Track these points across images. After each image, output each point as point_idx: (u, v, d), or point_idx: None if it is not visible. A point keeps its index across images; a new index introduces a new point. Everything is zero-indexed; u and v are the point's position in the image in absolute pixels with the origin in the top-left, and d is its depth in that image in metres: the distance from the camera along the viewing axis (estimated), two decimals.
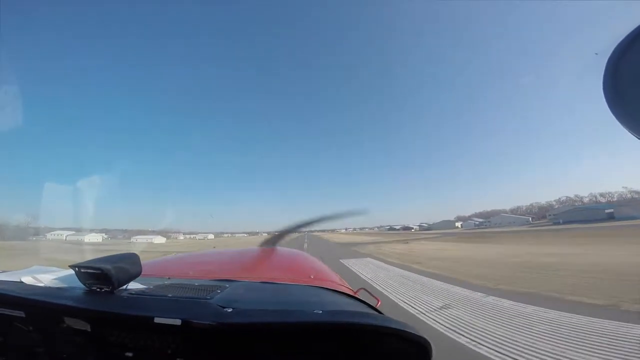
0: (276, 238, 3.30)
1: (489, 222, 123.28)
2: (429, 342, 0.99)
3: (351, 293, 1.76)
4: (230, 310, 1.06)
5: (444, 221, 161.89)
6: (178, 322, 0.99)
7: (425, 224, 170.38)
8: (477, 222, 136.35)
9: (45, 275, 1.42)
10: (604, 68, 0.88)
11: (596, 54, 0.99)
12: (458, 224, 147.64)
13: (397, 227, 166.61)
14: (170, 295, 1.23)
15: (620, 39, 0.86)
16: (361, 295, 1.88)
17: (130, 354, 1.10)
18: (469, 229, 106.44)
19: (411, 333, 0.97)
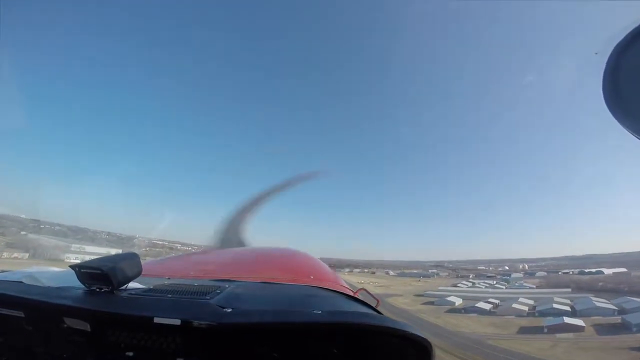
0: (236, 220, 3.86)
1: None
2: (429, 342, 0.99)
3: (351, 293, 1.79)
4: (229, 310, 1.07)
5: None
6: (178, 322, 1.00)
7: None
8: None
9: (45, 275, 1.42)
10: (603, 68, 0.90)
11: (596, 53, 1.03)
12: None
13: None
14: (170, 295, 1.25)
15: (620, 38, 0.89)
16: (361, 295, 1.90)
17: (130, 354, 1.10)
18: None
19: (411, 333, 0.98)
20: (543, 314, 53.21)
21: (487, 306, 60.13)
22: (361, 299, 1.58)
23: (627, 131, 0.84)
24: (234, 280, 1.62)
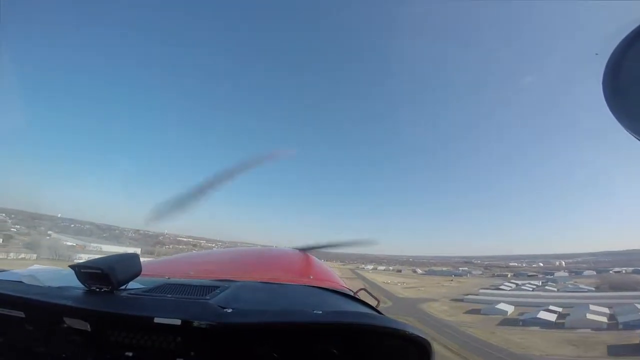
0: None
1: None
2: (429, 342, 1.01)
3: (351, 293, 1.81)
4: (230, 310, 1.09)
5: None
6: (178, 322, 1.02)
7: None
8: None
9: (45, 275, 1.44)
10: (603, 68, 0.91)
11: (596, 54, 1.03)
12: None
13: None
14: (170, 295, 1.27)
15: (621, 38, 0.89)
16: (361, 295, 1.94)
17: (130, 354, 1.12)
18: None
19: (411, 333, 1.00)
20: (630, 326, 43.12)
21: (551, 316, 49.54)
22: (361, 299, 1.59)
23: (627, 132, 0.84)
24: (234, 280, 1.62)
